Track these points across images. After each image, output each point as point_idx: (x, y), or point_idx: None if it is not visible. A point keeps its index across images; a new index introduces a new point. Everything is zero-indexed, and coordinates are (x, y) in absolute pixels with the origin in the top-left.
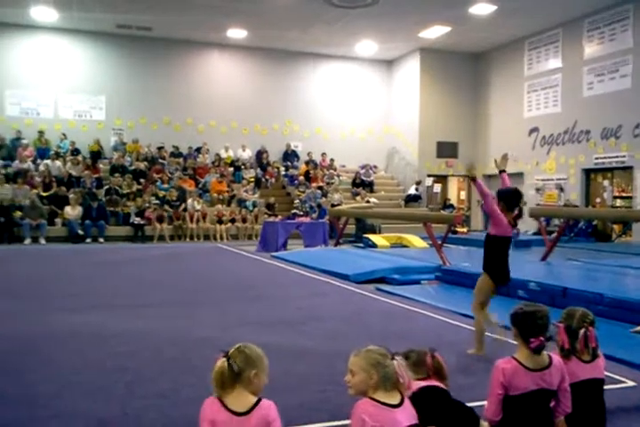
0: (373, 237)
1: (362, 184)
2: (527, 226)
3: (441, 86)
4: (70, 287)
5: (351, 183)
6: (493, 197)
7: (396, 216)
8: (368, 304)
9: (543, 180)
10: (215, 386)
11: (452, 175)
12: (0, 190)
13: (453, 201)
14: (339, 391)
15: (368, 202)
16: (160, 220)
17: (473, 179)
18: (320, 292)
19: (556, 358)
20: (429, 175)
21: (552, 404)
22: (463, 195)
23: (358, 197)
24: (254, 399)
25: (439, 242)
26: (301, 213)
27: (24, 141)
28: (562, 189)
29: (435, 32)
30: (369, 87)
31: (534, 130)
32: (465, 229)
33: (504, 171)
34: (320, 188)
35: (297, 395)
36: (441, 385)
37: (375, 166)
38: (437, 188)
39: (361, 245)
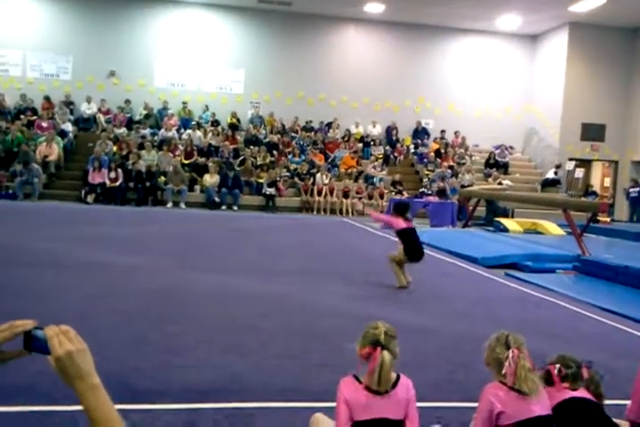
0: (505, 222)
1: (495, 165)
2: None
3: (591, 63)
4: (207, 250)
5: (484, 164)
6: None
7: (533, 200)
8: (496, 289)
9: None
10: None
11: (598, 160)
12: (147, 157)
13: (596, 188)
14: (467, 373)
15: (500, 184)
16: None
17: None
18: (445, 272)
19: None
20: (571, 159)
21: None
22: (607, 182)
23: (490, 179)
24: (394, 376)
25: (579, 231)
26: (429, 191)
27: (170, 111)
28: None
29: (587, 5)
30: (509, 63)
31: None
32: (608, 219)
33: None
34: (450, 167)
35: (427, 373)
36: (592, 398)
37: (511, 147)
38: (580, 173)
39: (491, 228)
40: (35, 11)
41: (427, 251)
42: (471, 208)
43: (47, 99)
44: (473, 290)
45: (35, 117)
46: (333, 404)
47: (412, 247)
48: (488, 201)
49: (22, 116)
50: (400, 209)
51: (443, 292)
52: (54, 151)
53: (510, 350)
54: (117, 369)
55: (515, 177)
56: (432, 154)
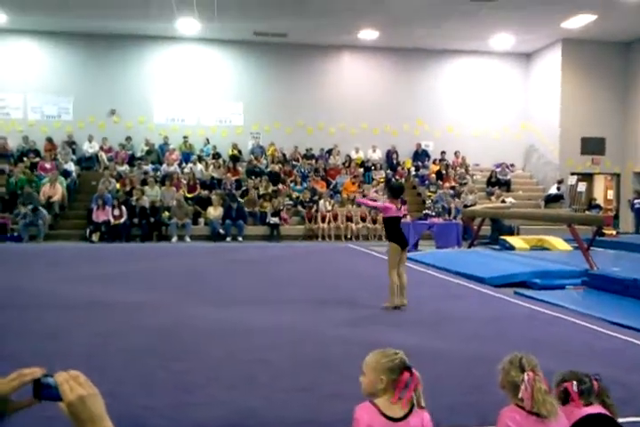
0: (511, 239)
1: (497, 183)
2: None
3: (586, 78)
4: (212, 283)
5: (486, 182)
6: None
7: (537, 217)
8: (506, 308)
9: None
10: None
11: (599, 173)
12: (150, 192)
13: (600, 201)
14: (482, 396)
15: (504, 202)
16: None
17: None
18: (454, 294)
19: None
20: (572, 173)
21: None
22: (611, 194)
23: (493, 197)
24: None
25: (585, 245)
26: (433, 213)
27: (171, 146)
28: None
29: (579, 21)
30: (504, 82)
31: None
32: (614, 232)
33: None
34: (452, 188)
35: (441, 397)
36: (607, 413)
37: (512, 165)
38: (582, 187)
39: (497, 247)
40: (34, 54)
41: (433, 273)
42: (476, 227)
43: (49, 140)
44: (482, 310)
45: (37, 159)
46: None
47: (398, 234)
48: (492, 220)
49: (25, 159)
50: (396, 192)
51: (451, 313)
52: (58, 191)
53: (525, 373)
54: (128, 409)
55: (517, 194)
56: (433, 175)
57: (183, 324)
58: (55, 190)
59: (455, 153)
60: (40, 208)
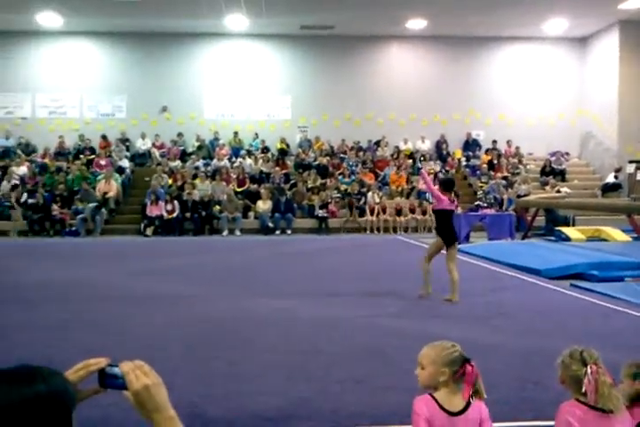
0: (566, 230)
1: (552, 173)
2: None
3: None
4: (264, 276)
5: (539, 172)
6: (436, 192)
7: (594, 207)
8: (562, 301)
9: None
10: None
11: None
12: (201, 187)
13: None
14: (539, 390)
15: (559, 192)
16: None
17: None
18: (508, 286)
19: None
20: (631, 161)
21: None
22: None
23: (547, 187)
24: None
25: None
26: (485, 204)
27: (221, 141)
28: None
29: (637, 2)
30: (558, 68)
31: None
32: None
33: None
34: (505, 178)
35: (496, 391)
36: None
37: (567, 153)
38: None
39: (552, 238)
40: (89, 54)
41: (485, 265)
42: (530, 218)
43: (104, 137)
44: (538, 303)
45: (93, 156)
46: None
47: (449, 229)
48: (547, 210)
49: (81, 156)
50: (447, 185)
51: (506, 306)
52: (113, 188)
53: (588, 367)
54: (187, 398)
55: (573, 184)
56: (485, 165)
57: (237, 315)
58: (110, 186)
59: (507, 142)
60: (103, 210)
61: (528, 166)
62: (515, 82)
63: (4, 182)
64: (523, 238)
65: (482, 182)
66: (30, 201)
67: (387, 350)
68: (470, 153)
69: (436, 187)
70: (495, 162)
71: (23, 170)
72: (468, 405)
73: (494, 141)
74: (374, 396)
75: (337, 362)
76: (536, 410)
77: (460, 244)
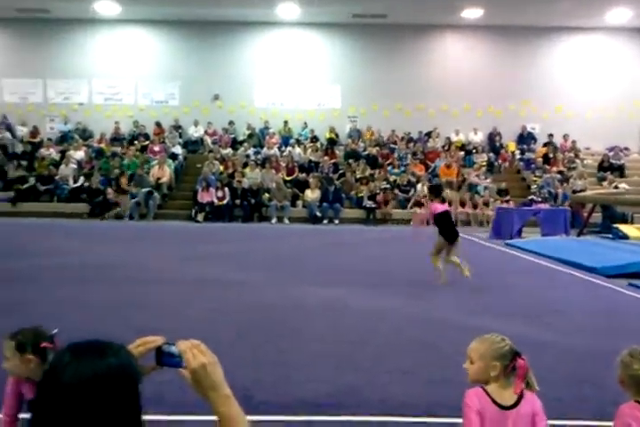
0: (625, 228)
1: (610, 168)
2: None
3: None
4: (312, 264)
5: (597, 167)
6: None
7: None
8: (620, 300)
9: None
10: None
11: None
12: (251, 175)
13: None
14: (594, 389)
15: (617, 188)
16: (387, 203)
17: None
18: (562, 284)
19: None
20: None
21: None
22: None
23: (605, 183)
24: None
25: None
26: (539, 199)
27: (271, 130)
28: None
29: None
30: (620, 59)
31: None
32: None
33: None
34: (560, 172)
35: (549, 390)
36: None
37: (626, 148)
38: None
39: (609, 235)
40: (145, 42)
41: (538, 261)
42: (586, 215)
43: (158, 124)
44: (593, 301)
45: (147, 142)
46: (449, 419)
47: (448, 228)
48: (604, 206)
49: (136, 142)
50: (437, 191)
51: (559, 304)
52: (166, 173)
53: None
54: (238, 382)
55: (632, 180)
56: (539, 159)
57: (286, 303)
58: (163, 172)
59: (564, 136)
60: (155, 194)
61: (585, 161)
62: (573, 74)
63: (63, 166)
64: (578, 235)
65: (536, 176)
66: (86, 184)
67: (436, 342)
68: (525, 146)
69: (428, 197)
70: (551, 156)
71: (80, 154)
72: (520, 399)
73: (550, 135)
74: (423, 387)
75: (385, 353)
76: (593, 410)
77: (511, 238)
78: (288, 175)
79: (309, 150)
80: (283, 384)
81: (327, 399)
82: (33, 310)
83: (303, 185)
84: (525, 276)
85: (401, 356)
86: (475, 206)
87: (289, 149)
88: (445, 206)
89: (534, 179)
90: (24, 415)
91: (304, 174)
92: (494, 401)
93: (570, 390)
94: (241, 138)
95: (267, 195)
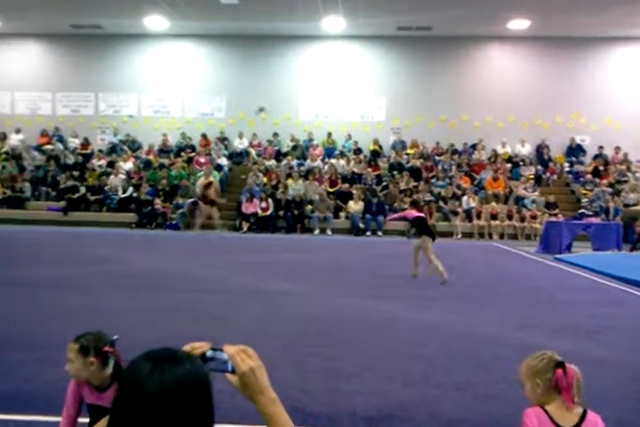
0: None
1: None
2: None
3: None
4: (356, 276)
5: None
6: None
7: None
8: None
9: None
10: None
11: None
12: (294, 186)
13: None
14: None
15: None
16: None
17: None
18: (616, 300)
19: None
20: None
21: None
22: None
23: None
24: (580, 410)
25: None
26: (590, 213)
27: (314, 142)
28: None
29: None
30: None
31: None
32: None
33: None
34: (611, 185)
35: (607, 409)
36: None
37: None
38: None
39: None
40: (192, 56)
41: (590, 276)
42: (639, 229)
43: (204, 136)
44: None
45: (193, 154)
46: None
47: (427, 229)
48: None
49: (183, 153)
50: (417, 204)
51: (614, 320)
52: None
53: None
54: (287, 392)
55: None
56: (589, 172)
57: (333, 313)
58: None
59: (615, 148)
60: (201, 204)
61: (637, 174)
62: (624, 85)
63: (112, 177)
64: (631, 250)
65: (586, 190)
66: (135, 195)
67: (484, 358)
68: (574, 158)
69: (408, 207)
70: (601, 169)
71: (129, 165)
72: (582, 420)
73: (600, 147)
74: (475, 404)
75: (434, 367)
76: None
77: (561, 253)
78: (331, 187)
79: (353, 162)
80: (332, 395)
81: (378, 412)
82: (86, 316)
83: (346, 197)
84: (576, 291)
85: (450, 371)
86: (522, 220)
87: (332, 160)
88: (421, 214)
89: (584, 192)
90: (83, 419)
91: (347, 186)
92: (554, 421)
93: (631, 411)
94: (285, 150)
95: (309, 206)
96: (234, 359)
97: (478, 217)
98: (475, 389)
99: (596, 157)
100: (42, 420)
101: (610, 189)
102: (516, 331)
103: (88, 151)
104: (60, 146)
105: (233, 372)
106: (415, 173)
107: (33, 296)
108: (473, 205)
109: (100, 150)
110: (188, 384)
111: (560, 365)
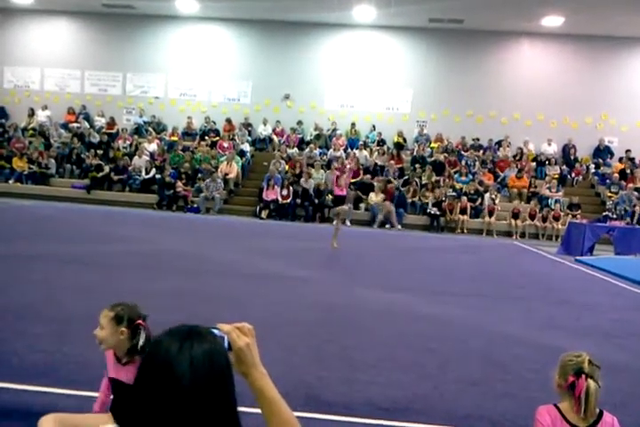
0: None
1: None
2: None
3: None
4: (375, 268)
5: None
6: None
7: None
8: None
9: None
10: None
11: None
12: (316, 175)
13: None
14: None
15: None
16: (461, 211)
17: None
18: (636, 305)
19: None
20: None
21: None
22: None
23: None
24: (597, 411)
25: None
26: (614, 216)
27: (338, 132)
28: None
29: None
30: None
31: None
32: None
33: None
34: (637, 189)
35: (627, 414)
36: None
37: None
38: None
39: None
40: (221, 40)
41: (610, 280)
42: None
43: (229, 121)
44: None
45: (217, 138)
46: None
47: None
48: None
49: (207, 137)
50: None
51: (635, 326)
52: (234, 170)
53: None
54: (304, 378)
55: None
56: (616, 174)
57: (350, 302)
58: (231, 168)
59: None
60: (218, 178)
61: None
62: None
63: (136, 157)
64: None
65: (611, 192)
66: (158, 177)
67: (501, 356)
68: (600, 160)
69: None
70: (628, 171)
71: (153, 147)
72: (597, 420)
73: (628, 150)
74: (491, 400)
75: (451, 362)
76: None
77: (582, 255)
78: (353, 178)
79: (376, 154)
80: (348, 385)
81: (394, 404)
82: (106, 293)
83: (367, 188)
84: (597, 294)
85: (467, 366)
86: (544, 219)
87: (355, 151)
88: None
89: (609, 195)
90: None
91: (368, 177)
92: (566, 420)
93: None
94: (308, 138)
95: (330, 196)
96: (230, 336)
97: (490, 215)
98: (490, 386)
99: (622, 159)
100: (60, 392)
101: (636, 193)
102: (536, 331)
103: (113, 131)
104: (87, 124)
105: (229, 349)
106: (438, 168)
107: (55, 271)
108: (495, 202)
109: (125, 130)
110: (217, 359)
111: (579, 374)
